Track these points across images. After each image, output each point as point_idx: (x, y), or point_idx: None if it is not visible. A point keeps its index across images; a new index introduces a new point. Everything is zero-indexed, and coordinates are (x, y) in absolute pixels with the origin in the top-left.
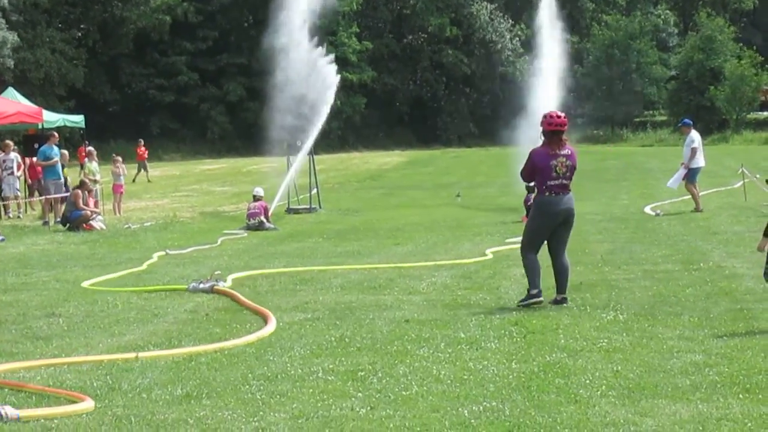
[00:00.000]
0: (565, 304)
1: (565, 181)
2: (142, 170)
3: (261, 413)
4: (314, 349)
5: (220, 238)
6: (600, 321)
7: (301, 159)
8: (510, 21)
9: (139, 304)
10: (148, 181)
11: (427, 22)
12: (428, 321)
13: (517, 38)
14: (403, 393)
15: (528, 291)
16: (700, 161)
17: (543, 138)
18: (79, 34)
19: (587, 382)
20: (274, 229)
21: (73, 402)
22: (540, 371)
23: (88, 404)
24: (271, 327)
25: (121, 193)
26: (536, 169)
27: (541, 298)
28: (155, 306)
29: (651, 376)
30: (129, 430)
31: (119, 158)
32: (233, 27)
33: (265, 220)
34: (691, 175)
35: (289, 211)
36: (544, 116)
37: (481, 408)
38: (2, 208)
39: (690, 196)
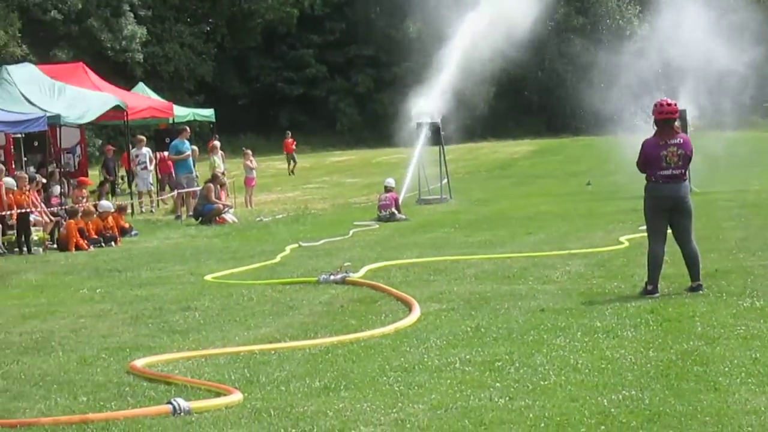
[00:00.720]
0: (700, 291)
1: (676, 171)
2: (292, 161)
3: (400, 404)
4: (450, 340)
5: (351, 229)
6: (737, 308)
7: (420, 151)
8: (638, 7)
9: (274, 297)
10: (291, 173)
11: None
12: (563, 310)
13: (647, 23)
14: (541, 383)
15: (645, 283)
16: None
17: (655, 127)
18: (208, 29)
19: (726, 369)
20: (405, 220)
21: (220, 394)
22: (678, 359)
23: (236, 396)
24: (415, 314)
25: (253, 186)
26: (647, 160)
27: (657, 294)
28: (290, 298)
29: None
30: (269, 423)
31: (249, 151)
32: (360, 18)
33: (396, 211)
34: None
35: (420, 201)
36: (655, 104)
37: (620, 397)
38: (136, 203)
39: None
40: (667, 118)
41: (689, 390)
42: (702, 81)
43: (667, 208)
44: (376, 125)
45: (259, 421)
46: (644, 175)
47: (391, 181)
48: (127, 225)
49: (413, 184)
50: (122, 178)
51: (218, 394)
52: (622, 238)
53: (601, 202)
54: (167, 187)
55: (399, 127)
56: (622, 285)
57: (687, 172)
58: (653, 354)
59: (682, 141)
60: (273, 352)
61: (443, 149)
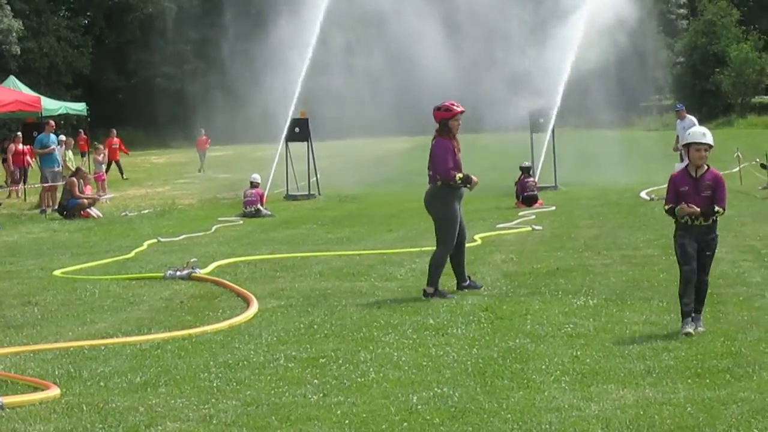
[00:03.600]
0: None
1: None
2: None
3: (213, 400)
4: (281, 336)
5: (215, 225)
6: (570, 306)
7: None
8: None
9: (117, 292)
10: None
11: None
12: (399, 307)
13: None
14: (359, 380)
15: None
16: None
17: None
18: (86, 22)
19: (543, 367)
20: (270, 216)
21: (39, 389)
22: (499, 357)
23: (53, 391)
24: (251, 311)
25: (103, 180)
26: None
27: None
28: (132, 294)
29: (608, 361)
30: (79, 418)
31: (101, 146)
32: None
33: (261, 207)
34: None
35: (287, 197)
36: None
37: (432, 394)
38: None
39: None
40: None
41: (501, 387)
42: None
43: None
44: (252, 121)
45: (69, 416)
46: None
47: (257, 177)
48: None
49: (282, 180)
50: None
51: (36, 390)
52: (476, 236)
53: (467, 200)
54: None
55: (274, 123)
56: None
57: (434, 175)
58: (476, 351)
59: (432, 143)
60: (102, 347)
61: (311, 144)
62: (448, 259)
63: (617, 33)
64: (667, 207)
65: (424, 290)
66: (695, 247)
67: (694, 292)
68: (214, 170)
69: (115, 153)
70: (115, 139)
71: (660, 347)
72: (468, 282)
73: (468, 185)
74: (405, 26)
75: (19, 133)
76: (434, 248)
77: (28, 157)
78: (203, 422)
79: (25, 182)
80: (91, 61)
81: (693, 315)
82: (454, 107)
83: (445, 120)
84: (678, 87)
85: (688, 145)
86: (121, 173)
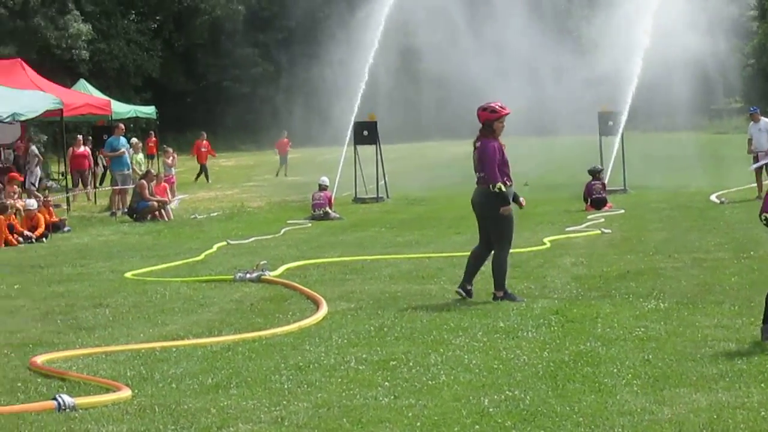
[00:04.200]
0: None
1: (480, 174)
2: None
3: (284, 402)
4: (351, 339)
5: (283, 228)
6: (640, 310)
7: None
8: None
9: (188, 294)
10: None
11: None
12: (469, 310)
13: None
14: (429, 382)
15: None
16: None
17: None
18: (155, 25)
19: (614, 371)
20: (339, 219)
21: (111, 390)
22: (570, 360)
23: (125, 392)
24: (321, 313)
25: (173, 183)
26: None
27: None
28: (203, 296)
29: (680, 365)
30: (151, 420)
31: (170, 149)
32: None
33: (329, 210)
34: None
35: (356, 200)
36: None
37: (503, 397)
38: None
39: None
40: (482, 122)
41: (573, 390)
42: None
43: (475, 212)
44: (322, 124)
45: (141, 417)
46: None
47: (325, 180)
48: (57, 220)
49: (348, 183)
50: (61, 174)
51: (108, 391)
52: (545, 239)
53: (536, 203)
54: (80, 184)
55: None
56: (532, 285)
57: (484, 176)
58: (547, 354)
59: (478, 144)
60: (174, 349)
61: (380, 148)
62: (472, 256)
63: (687, 36)
64: (764, 216)
65: (494, 294)
66: None
67: None
68: (281, 173)
69: (203, 156)
70: (204, 141)
71: (733, 351)
72: (470, 288)
73: (504, 200)
74: (474, 30)
75: (80, 137)
76: None
77: (100, 158)
78: (275, 424)
79: (85, 185)
80: (161, 64)
81: None
82: (502, 109)
83: (491, 121)
84: (749, 89)
85: None
86: (207, 177)
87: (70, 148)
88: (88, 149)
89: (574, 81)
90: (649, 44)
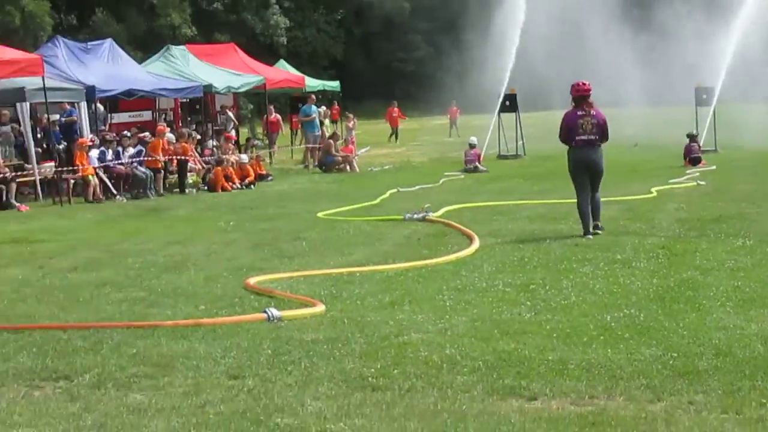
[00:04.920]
0: (599, 231)
1: (591, 137)
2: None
3: (447, 317)
4: (499, 267)
5: (442, 179)
6: (731, 246)
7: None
8: None
9: (367, 231)
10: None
11: None
12: (593, 245)
13: None
14: (563, 302)
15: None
16: None
17: (572, 103)
18: (339, 17)
19: (711, 294)
20: (485, 172)
21: (308, 306)
22: (675, 285)
23: (320, 308)
24: (474, 246)
25: (353, 143)
26: (568, 128)
27: (590, 235)
28: (379, 232)
29: (764, 290)
30: (341, 329)
31: (351, 115)
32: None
33: (478, 164)
34: None
35: (499, 156)
36: (573, 85)
37: (621, 314)
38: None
39: None
40: (582, 95)
41: (677, 310)
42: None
43: (585, 168)
44: (473, 95)
45: (333, 327)
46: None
47: (474, 140)
48: (264, 172)
49: (494, 143)
50: (265, 134)
51: (305, 306)
52: (653, 189)
53: (644, 160)
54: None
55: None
56: (643, 226)
57: (599, 139)
58: (656, 281)
59: (595, 113)
60: (357, 274)
61: (518, 115)
62: (589, 203)
63: None
64: None
65: (596, 224)
66: None
67: None
68: (439, 135)
69: (395, 120)
70: (396, 108)
71: None
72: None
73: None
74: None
75: (271, 107)
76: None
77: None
78: (440, 333)
79: (272, 144)
80: (343, 48)
81: None
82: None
83: (586, 96)
84: None
85: None
86: (396, 137)
87: (264, 116)
88: (278, 116)
89: (677, 60)
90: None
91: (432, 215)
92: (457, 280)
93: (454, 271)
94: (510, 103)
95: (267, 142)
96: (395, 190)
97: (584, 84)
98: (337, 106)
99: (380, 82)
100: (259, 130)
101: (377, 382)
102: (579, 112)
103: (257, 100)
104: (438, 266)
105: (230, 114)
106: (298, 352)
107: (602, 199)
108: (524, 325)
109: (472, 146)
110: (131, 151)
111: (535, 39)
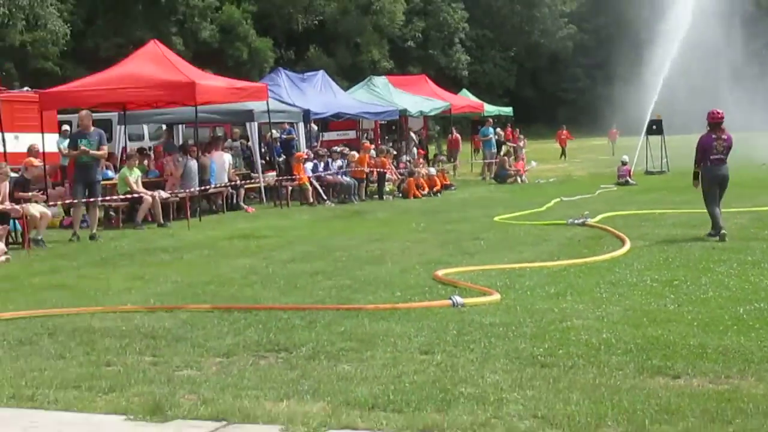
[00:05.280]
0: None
1: (722, 156)
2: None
3: (603, 306)
4: (647, 265)
5: (598, 190)
6: None
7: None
8: None
9: (535, 233)
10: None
11: None
12: (727, 248)
13: None
14: (701, 296)
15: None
16: None
17: (708, 127)
18: (512, 54)
19: None
20: (635, 185)
21: (485, 295)
22: None
23: (496, 296)
24: (626, 248)
25: (523, 159)
26: (704, 149)
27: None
28: (546, 234)
29: None
30: (514, 315)
31: (521, 136)
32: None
33: (629, 179)
34: None
35: (646, 172)
36: (709, 113)
37: (753, 307)
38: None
39: None
40: (717, 122)
41: None
42: None
43: (718, 182)
44: (626, 120)
45: (507, 313)
46: None
47: (626, 158)
48: (448, 182)
49: (641, 161)
50: (448, 151)
51: (484, 295)
52: None
53: None
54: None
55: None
56: None
57: (726, 157)
58: None
59: (726, 137)
60: (528, 269)
61: (664, 138)
62: (719, 211)
63: None
64: None
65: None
66: None
67: None
68: (596, 153)
69: (563, 141)
70: (564, 131)
71: None
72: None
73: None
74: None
75: (453, 128)
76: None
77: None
78: (597, 320)
79: (453, 159)
80: (515, 80)
81: None
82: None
83: (720, 123)
84: None
85: None
86: (565, 156)
87: (449, 136)
88: (458, 136)
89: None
90: None
91: (590, 221)
92: (612, 276)
93: (609, 268)
94: (656, 127)
95: (451, 157)
96: (559, 199)
97: (718, 112)
98: (509, 129)
99: (546, 108)
100: (444, 147)
101: (545, 360)
102: (713, 135)
103: (443, 123)
104: (595, 264)
105: (413, 135)
106: (478, 333)
107: (734, 210)
108: (669, 314)
109: (624, 163)
110: (339, 163)
111: (678, 74)
